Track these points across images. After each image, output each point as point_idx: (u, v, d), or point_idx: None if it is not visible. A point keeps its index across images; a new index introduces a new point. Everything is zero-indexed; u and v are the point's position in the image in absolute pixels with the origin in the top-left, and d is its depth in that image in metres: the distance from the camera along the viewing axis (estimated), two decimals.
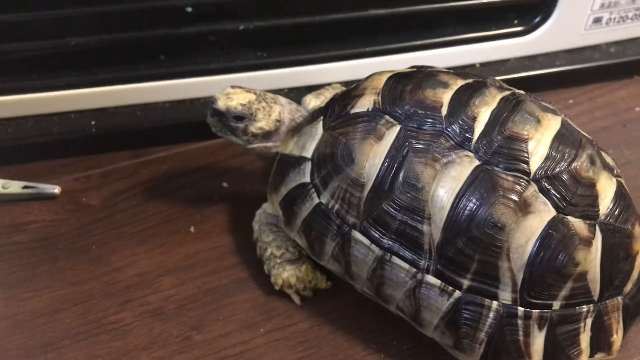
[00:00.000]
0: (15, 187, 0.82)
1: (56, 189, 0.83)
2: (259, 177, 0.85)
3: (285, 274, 0.72)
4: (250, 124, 0.73)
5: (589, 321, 0.63)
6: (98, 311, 0.73)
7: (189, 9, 0.83)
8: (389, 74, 0.70)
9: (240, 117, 0.72)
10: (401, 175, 0.63)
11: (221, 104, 0.72)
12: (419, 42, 0.93)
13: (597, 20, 0.97)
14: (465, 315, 0.63)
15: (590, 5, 0.95)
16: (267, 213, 0.75)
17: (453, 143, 0.63)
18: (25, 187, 0.82)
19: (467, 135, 0.63)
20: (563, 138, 0.63)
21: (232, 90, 0.73)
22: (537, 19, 0.95)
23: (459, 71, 0.71)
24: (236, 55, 0.89)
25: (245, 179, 0.86)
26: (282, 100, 0.76)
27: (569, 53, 0.99)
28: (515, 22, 0.96)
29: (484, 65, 0.97)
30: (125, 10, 0.83)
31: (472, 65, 0.96)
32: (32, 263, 0.76)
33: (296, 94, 0.91)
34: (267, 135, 0.74)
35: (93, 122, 0.87)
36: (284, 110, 0.75)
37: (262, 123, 0.73)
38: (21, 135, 0.86)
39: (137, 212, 0.82)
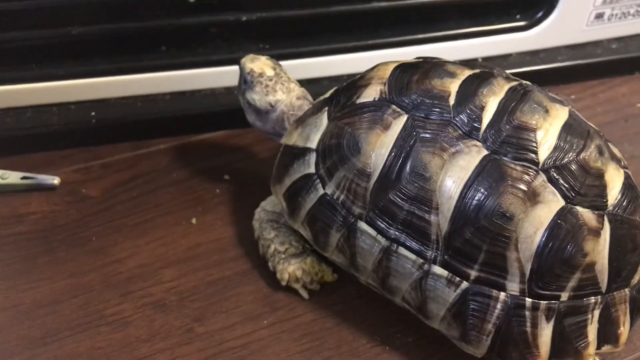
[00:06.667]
0: (14, 177, 0.81)
1: (55, 180, 0.82)
2: (262, 170, 0.84)
3: (291, 267, 0.72)
4: (247, 90, 0.76)
5: (597, 313, 0.63)
6: (99, 303, 0.72)
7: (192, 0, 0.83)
8: (395, 64, 0.69)
9: (245, 80, 0.76)
10: (408, 165, 0.62)
11: (244, 60, 0.77)
12: (421, 36, 0.93)
13: (599, 16, 0.97)
14: (472, 306, 0.62)
15: (592, 0, 0.95)
16: (267, 210, 0.75)
17: (461, 132, 0.62)
18: (24, 177, 0.81)
19: (475, 124, 0.62)
20: (571, 128, 0.63)
21: (263, 58, 0.77)
22: (540, 14, 0.95)
23: (465, 62, 0.70)
24: (238, 46, 0.89)
25: (248, 172, 0.85)
26: (296, 94, 0.75)
27: (571, 49, 0.99)
28: (518, 16, 0.96)
29: (486, 59, 0.97)
30: None
31: (474, 60, 0.96)
32: (32, 254, 0.75)
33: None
34: (257, 111, 0.76)
35: (93, 113, 0.86)
36: (285, 101, 0.75)
37: (256, 96, 0.75)
38: (20, 126, 0.85)
39: (138, 203, 0.81)
